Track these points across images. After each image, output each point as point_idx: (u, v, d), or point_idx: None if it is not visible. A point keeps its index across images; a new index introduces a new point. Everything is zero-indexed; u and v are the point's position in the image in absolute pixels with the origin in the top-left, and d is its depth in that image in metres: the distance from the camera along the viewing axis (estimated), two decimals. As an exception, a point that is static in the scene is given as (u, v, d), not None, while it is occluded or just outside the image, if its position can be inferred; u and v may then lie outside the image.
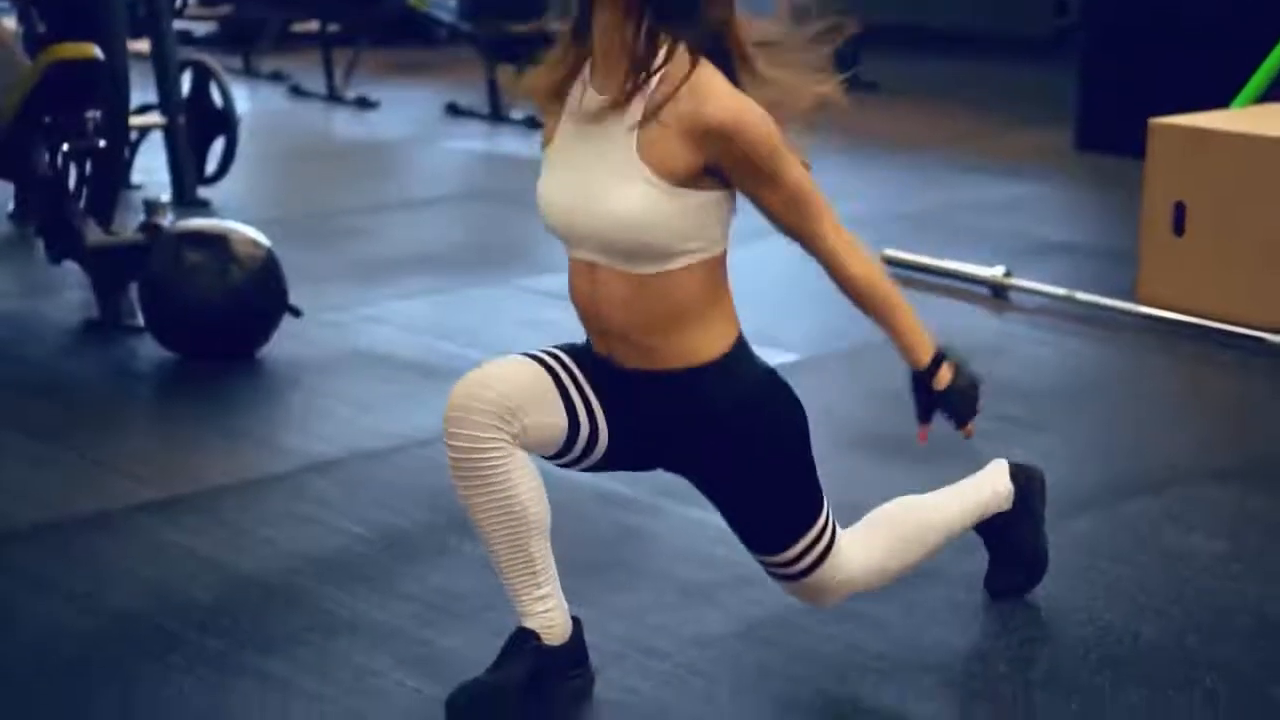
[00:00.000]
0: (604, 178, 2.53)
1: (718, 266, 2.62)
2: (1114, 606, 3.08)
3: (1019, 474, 3.10)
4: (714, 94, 2.50)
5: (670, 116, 2.50)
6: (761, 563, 2.81)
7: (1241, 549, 3.34)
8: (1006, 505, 3.06)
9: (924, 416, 2.74)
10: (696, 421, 2.64)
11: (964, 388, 2.73)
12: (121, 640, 2.95)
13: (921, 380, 2.71)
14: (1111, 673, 2.84)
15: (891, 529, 2.88)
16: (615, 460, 2.70)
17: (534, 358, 2.65)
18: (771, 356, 4.27)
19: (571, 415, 2.62)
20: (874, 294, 2.67)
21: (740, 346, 2.67)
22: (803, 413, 2.71)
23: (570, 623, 2.71)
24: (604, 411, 2.65)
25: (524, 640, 2.66)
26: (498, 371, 2.60)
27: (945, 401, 2.71)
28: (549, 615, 2.67)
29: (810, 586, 2.80)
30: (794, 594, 2.85)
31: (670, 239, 2.53)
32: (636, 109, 2.52)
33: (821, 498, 2.75)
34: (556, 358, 2.66)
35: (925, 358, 2.70)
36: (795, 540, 2.72)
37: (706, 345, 2.62)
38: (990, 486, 3.05)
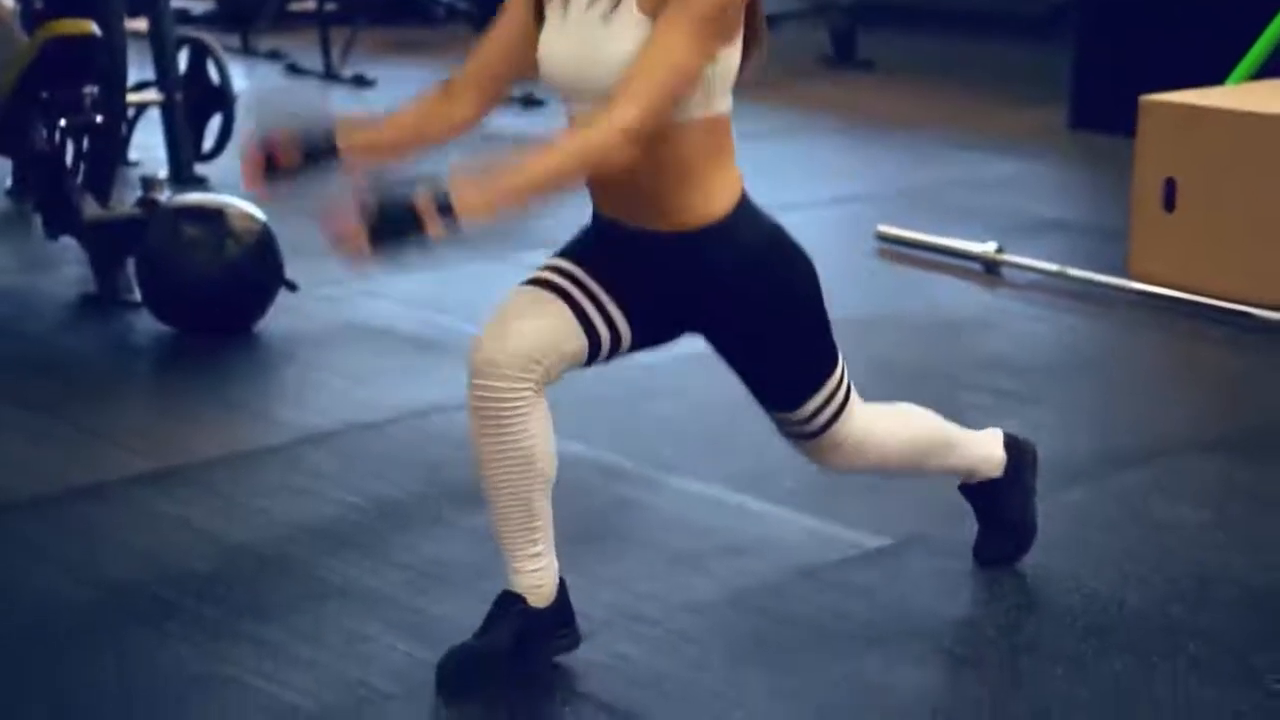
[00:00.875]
0: (603, 28, 2.52)
1: (718, 128, 2.59)
2: (1101, 575, 3.11)
3: (1012, 445, 3.13)
4: None
5: None
6: (777, 421, 2.82)
7: (1227, 519, 3.37)
8: (997, 473, 3.09)
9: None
10: (704, 281, 2.65)
11: (409, 202, 2.37)
12: (118, 609, 2.98)
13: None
14: (1097, 640, 2.87)
15: (908, 424, 2.95)
16: (640, 344, 2.73)
17: (543, 284, 2.65)
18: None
19: (591, 334, 2.64)
20: (559, 147, 2.49)
21: (744, 206, 2.65)
22: (811, 267, 2.72)
23: (557, 583, 2.74)
24: (619, 305, 2.66)
25: (510, 604, 2.69)
26: (516, 318, 2.61)
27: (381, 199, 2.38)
28: (539, 574, 2.70)
29: (825, 444, 2.83)
30: (808, 454, 2.88)
31: None
32: None
33: (836, 352, 2.77)
34: (563, 272, 2.66)
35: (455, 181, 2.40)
36: (810, 395, 2.75)
37: (707, 204, 2.60)
38: (986, 447, 3.09)
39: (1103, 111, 6.96)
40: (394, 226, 2.36)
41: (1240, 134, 4.83)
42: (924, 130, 7.39)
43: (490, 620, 2.71)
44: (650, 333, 2.73)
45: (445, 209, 2.38)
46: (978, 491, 3.10)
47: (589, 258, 2.68)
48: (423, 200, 2.38)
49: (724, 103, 2.59)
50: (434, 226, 2.37)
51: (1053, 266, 5.04)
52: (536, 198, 2.46)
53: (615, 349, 2.70)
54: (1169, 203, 4.95)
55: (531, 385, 2.59)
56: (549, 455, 2.65)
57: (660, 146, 2.53)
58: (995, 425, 3.74)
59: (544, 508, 2.68)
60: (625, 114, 2.45)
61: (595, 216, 2.72)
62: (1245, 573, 3.12)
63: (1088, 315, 4.79)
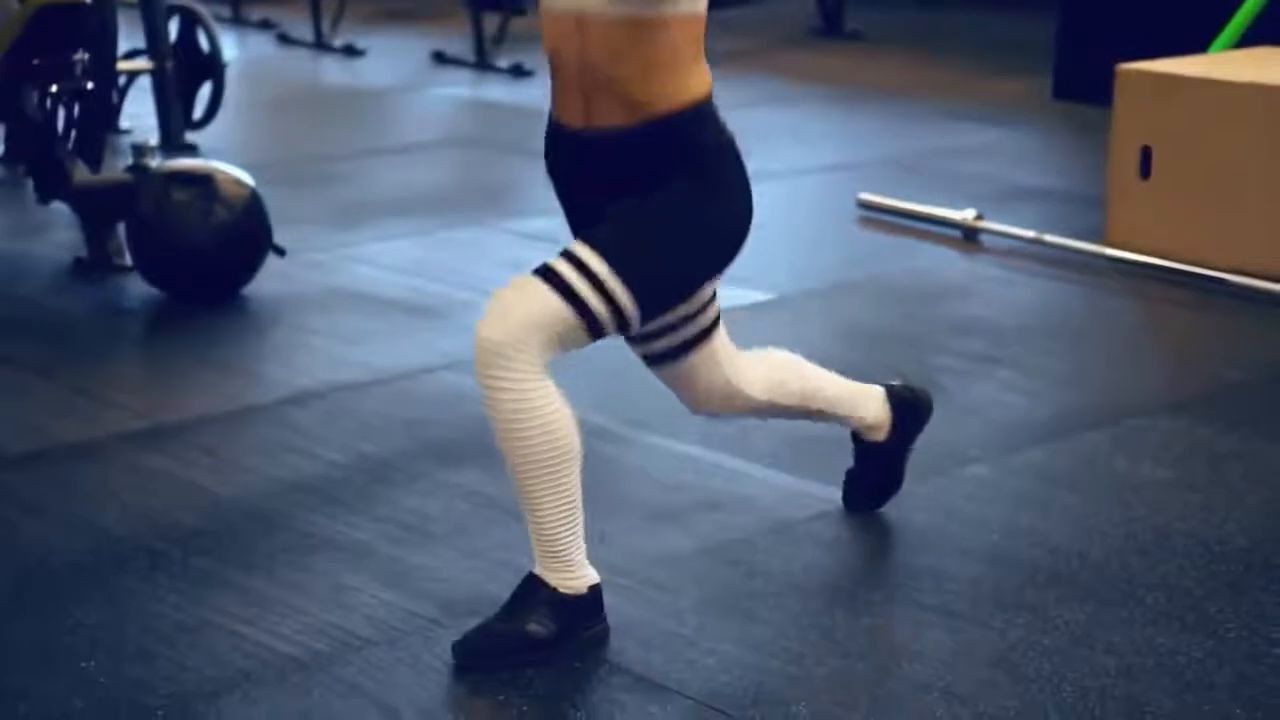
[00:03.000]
0: None
1: (697, 26, 2.67)
2: (1063, 530, 3.20)
3: (901, 406, 3.19)
4: None
5: None
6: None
7: (1187, 477, 3.46)
8: (881, 436, 3.18)
9: None
10: (649, 173, 2.66)
11: None
12: (109, 559, 3.06)
13: None
14: (1058, 590, 2.96)
15: (783, 377, 3.02)
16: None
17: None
18: (744, 296, 4.40)
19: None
20: None
21: (711, 105, 2.71)
22: (740, 204, 2.73)
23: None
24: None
25: (537, 588, 2.71)
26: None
27: None
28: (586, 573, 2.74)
29: (684, 374, 2.91)
30: (676, 383, 2.95)
31: None
32: None
33: (694, 291, 2.79)
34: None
35: None
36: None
37: (678, 94, 2.65)
38: (871, 410, 3.16)
39: (1086, 82, 7.02)
40: None
41: (1213, 102, 4.90)
42: (909, 100, 7.46)
43: (516, 601, 2.71)
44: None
45: None
46: (859, 442, 3.22)
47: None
48: None
49: (704, 5, 2.67)
50: None
51: (1030, 233, 5.13)
52: None
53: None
54: (1145, 170, 5.03)
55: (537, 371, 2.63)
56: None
57: (647, 36, 2.60)
58: (968, 387, 3.84)
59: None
60: None
61: (551, 134, 2.76)
62: (1203, 527, 3.21)
63: (1063, 281, 4.87)
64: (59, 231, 5.12)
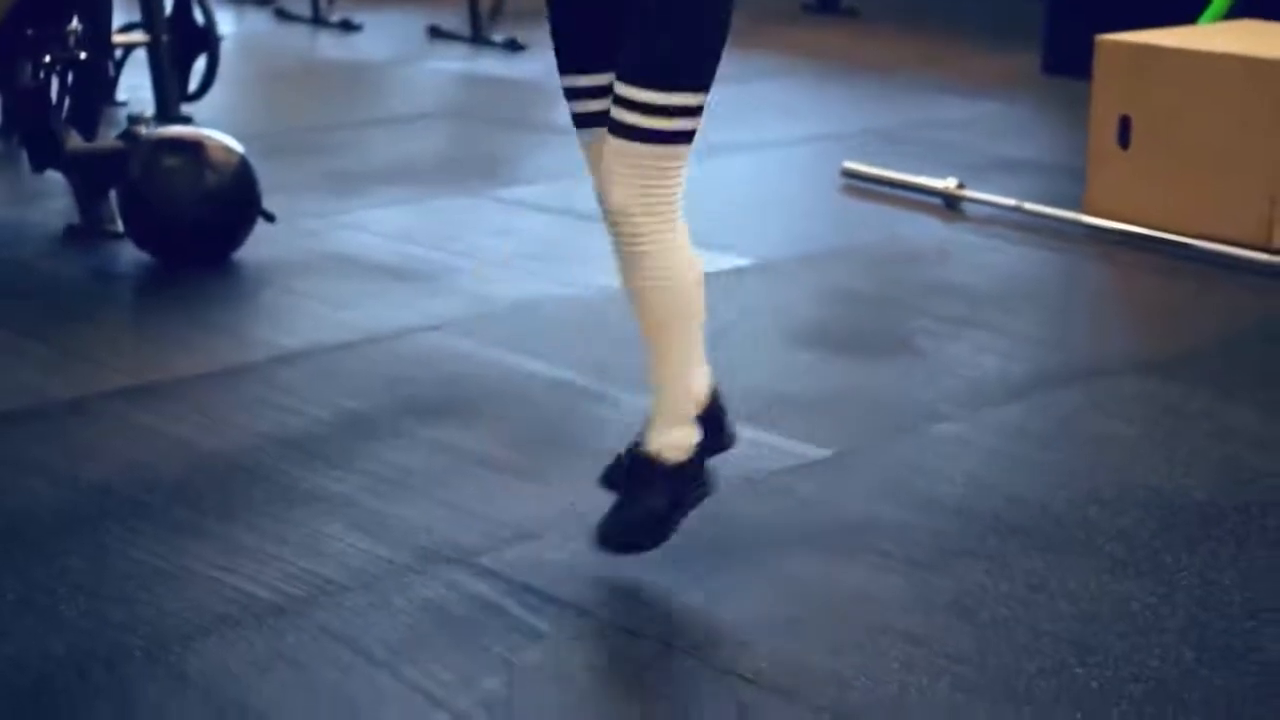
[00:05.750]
0: None
1: None
2: (1027, 483, 3.27)
3: (710, 430, 2.98)
4: None
5: None
6: (628, 106, 2.71)
7: (1153, 434, 3.53)
8: (682, 456, 2.91)
9: None
10: None
11: None
12: (93, 509, 3.13)
13: None
14: (1019, 540, 3.04)
15: (693, 269, 2.86)
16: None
17: (584, 122, 2.85)
18: (726, 261, 4.47)
19: None
20: None
21: None
22: None
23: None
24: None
25: (649, 466, 2.89)
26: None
27: None
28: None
29: (653, 158, 2.74)
30: (613, 172, 2.77)
31: None
32: None
33: (712, 72, 2.78)
34: (581, 94, 2.84)
35: None
36: (677, 85, 2.70)
37: None
38: (698, 384, 2.96)
39: (1075, 56, 7.05)
40: None
41: (1191, 73, 4.97)
42: (901, 75, 7.52)
43: (635, 485, 2.90)
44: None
45: None
46: (637, 460, 2.95)
47: (574, 50, 2.84)
48: None
49: None
50: None
51: (1010, 201, 5.19)
52: None
53: None
54: (1124, 140, 5.09)
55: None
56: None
57: None
58: (942, 347, 3.87)
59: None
60: None
61: None
62: (1165, 482, 3.28)
63: (1041, 248, 4.94)
64: (52, 200, 5.19)
